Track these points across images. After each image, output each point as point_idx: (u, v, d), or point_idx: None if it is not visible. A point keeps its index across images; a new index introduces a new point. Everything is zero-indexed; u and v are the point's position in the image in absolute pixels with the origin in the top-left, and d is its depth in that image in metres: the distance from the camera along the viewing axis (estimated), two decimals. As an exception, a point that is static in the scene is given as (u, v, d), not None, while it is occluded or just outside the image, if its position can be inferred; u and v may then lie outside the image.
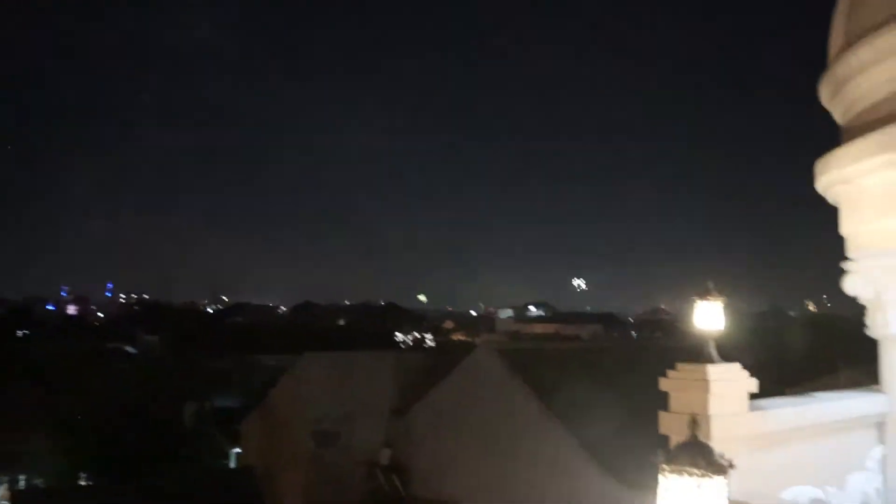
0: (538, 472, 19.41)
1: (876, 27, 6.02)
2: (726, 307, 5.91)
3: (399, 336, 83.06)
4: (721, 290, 5.86)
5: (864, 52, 6.15)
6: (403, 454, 25.98)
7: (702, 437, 4.32)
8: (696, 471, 3.93)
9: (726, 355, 6.13)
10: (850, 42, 6.39)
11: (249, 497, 23.60)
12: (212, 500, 22.59)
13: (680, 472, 3.95)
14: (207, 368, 46.61)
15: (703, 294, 5.87)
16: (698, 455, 4.03)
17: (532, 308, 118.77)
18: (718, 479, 4.00)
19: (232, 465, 34.27)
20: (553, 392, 20.71)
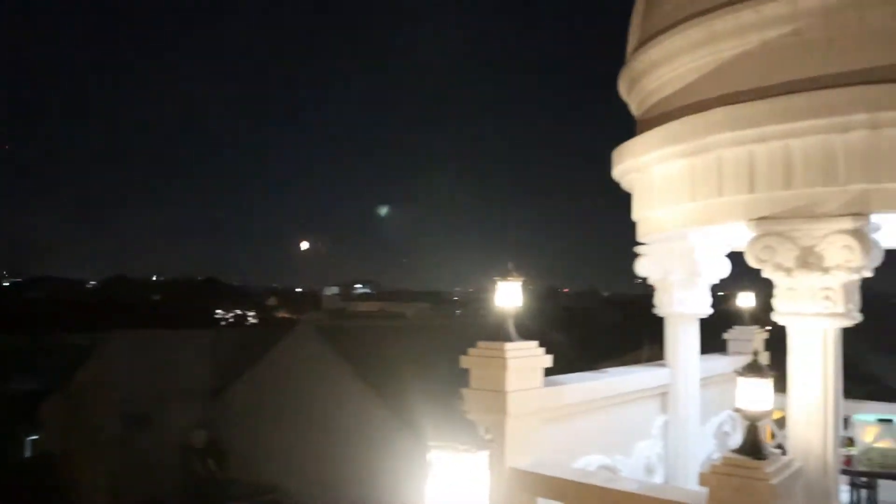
0: (356, 447, 19.50)
1: (666, 29, 6.47)
2: (526, 287, 6.14)
3: (219, 313, 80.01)
4: (520, 271, 6.08)
5: (655, 52, 6.60)
6: (221, 437, 25.16)
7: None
8: (460, 446, 4.07)
9: (527, 333, 6.39)
10: (644, 41, 6.83)
11: (45, 488, 21.84)
12: (-2, 494, 20.70)
13: (446, 449, 4.08)
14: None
15: (504, 274, 6.07)
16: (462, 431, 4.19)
17: (358, 286, 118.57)
18: (481, 454, 4.16)
19: (27, 453, 31.53)
20: (372, 368, 20.85)
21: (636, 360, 9.64)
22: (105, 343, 27.83)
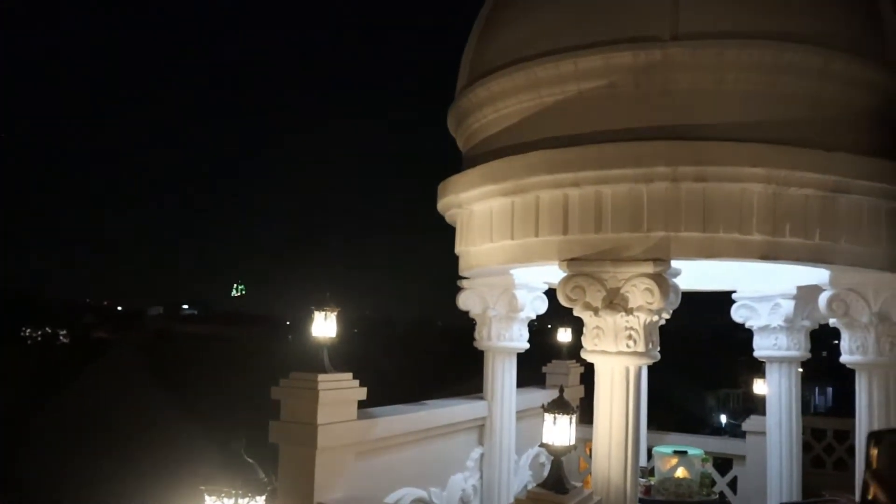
0: (165, 467, 18.42)
1: (493, 70, 6.68)
2: (340, 317, 6.05)
3: (26, 331, 73.41)
4: (337, 301, 5.98)
5: (482, 92, 6.79)
6: (18, 462, 22.93)
7: (245, 456, 4.29)
8: (234, 491, 3.88)
9: (343, 364, 6.27)
10: (473, 80, 7.02)
11: None
12: None
13: (218, 494, 3.87)
14: None
15: (319, 304, 5.94)
16: (237, 475, 3.99)
17: (185, 306, 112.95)
18: (259, 500, 3.98)
19: None
20: (190, 392, 19.83)
21: (465, 391, 9.77)
22: None
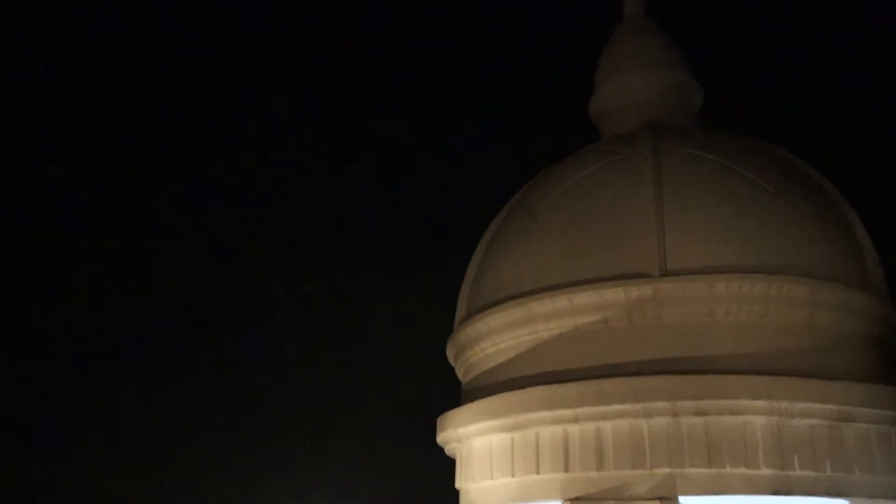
0: None
1: (489, 305, 6.87)
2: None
3: None
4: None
5: (479, 326, 6.94)
6: None
7: None
8: None
9: None
10: (471, 314, 7.18)
11: None
12: None
13: None
14: None
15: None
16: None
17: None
18: None
19: None
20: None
21: None
22: None
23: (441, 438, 7.39)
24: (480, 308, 7.00)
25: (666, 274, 6.12)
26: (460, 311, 7.65)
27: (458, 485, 7.33)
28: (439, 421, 7.35)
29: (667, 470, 5.73)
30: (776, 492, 5.78)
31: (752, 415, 5.77)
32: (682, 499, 5.84)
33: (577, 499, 5.93)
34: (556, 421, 6.07)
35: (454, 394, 7.73)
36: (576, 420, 5.99)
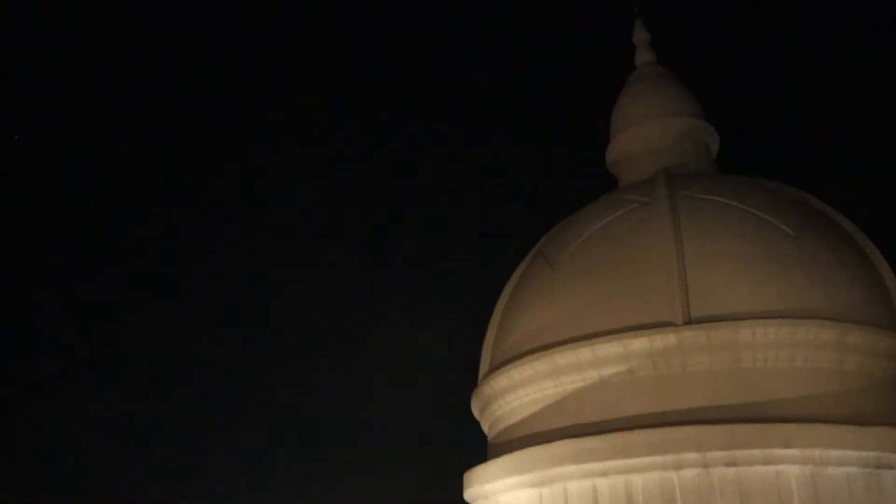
0: None
1: (513, 359, 6.82)
2: None
3: None
4: None
5: (503, 379, 6.88)
6: None
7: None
8: None
9: None
10: (495, 368, 7.13)
11: None
12: None
13: None
14: None
15: None
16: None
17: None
18: None
19: None
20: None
21: None
22: None
23: (468, 495, 7.27)
24: (504, 361, 6.95)
25: (690, 322, 6.06)
26: (484, 365, 7.60)
27: (487, 541, 7.18)
28: (466, 477, 7.24)
29: (700, 523, 5.60)
30: None
31: (786, 464, 5.63)
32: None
33: (608, 554, 5.80)
34: (585, 475, 5.97)
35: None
36: (604, 474, 5.89)
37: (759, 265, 6.33)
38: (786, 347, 6.01)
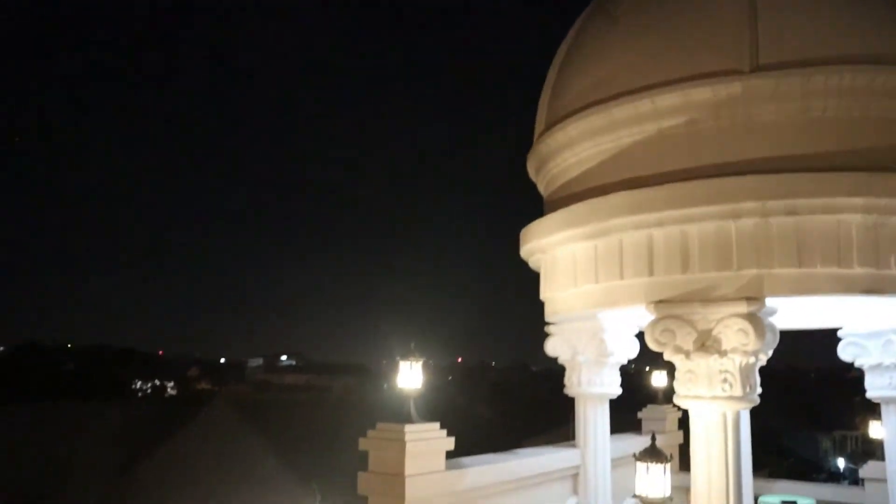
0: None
1: (570, 115, 6.66)
2: (427, 367, 6.05)
3: (137, 384, 77.06)
4: (422, 351, 5.99)
5: (560, 136, 6.76)
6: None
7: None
8: None
9: (430, 414, 6.25)
10: (550, 125, 7.00)
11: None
12: None
13: None
14: None
15: (405, 354, 5.96)
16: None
17: (284, 357, 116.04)
18: None
19: None
20: (289, 442, 20.15)
21: (564, 437, 9.56)
22: (-3, 417, 26.27)
23: (524, 251, 7.47)
24: (560, 118, 6.80)
25: (758, 69, 5.74)
26: (539, 123, 7.46)
27: (542, 295, 7.47)
28: (522, 234, 7.40)
29: (754, 271, 5.64)
30: (869, 291, 5.64)
31: (848, 213, 5.54)
32: (768, 300, 5.79)
33: (661, 301, 5.96)
34: (640, 226, 5.99)
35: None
36: (660, 224, 5.90)
37: (837, 7, 5.84)
38: (861, 96, 5.68)
